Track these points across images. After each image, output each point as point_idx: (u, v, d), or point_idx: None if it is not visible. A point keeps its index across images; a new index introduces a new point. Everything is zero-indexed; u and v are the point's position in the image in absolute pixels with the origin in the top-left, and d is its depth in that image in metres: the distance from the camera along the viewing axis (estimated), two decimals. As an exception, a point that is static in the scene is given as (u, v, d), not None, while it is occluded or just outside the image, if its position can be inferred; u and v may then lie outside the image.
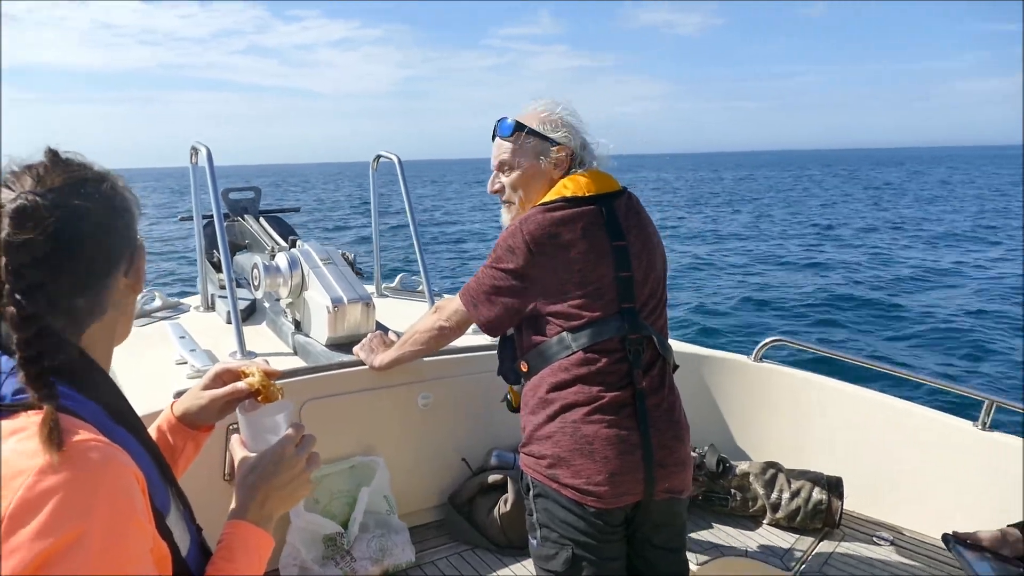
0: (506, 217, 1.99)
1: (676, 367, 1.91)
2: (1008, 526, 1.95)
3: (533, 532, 1.83)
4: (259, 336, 3.23)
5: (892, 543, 2.60)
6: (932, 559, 2.49)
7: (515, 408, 2.02)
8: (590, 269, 1.76)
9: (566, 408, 1.75)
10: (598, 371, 1.75)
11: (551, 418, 1.77)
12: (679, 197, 46.43)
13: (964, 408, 2.83)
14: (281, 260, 2.96)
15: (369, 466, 2.41)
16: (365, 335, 2.54)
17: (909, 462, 2.76)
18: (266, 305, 3.44)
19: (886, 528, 2.70)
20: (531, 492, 1.82)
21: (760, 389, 3.17)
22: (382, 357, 2.36)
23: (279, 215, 4.23)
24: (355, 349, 2.51)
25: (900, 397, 2.91)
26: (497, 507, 2.47)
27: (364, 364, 2.43)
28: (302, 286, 2.94)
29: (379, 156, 3.75)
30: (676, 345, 3.43)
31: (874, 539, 2.62)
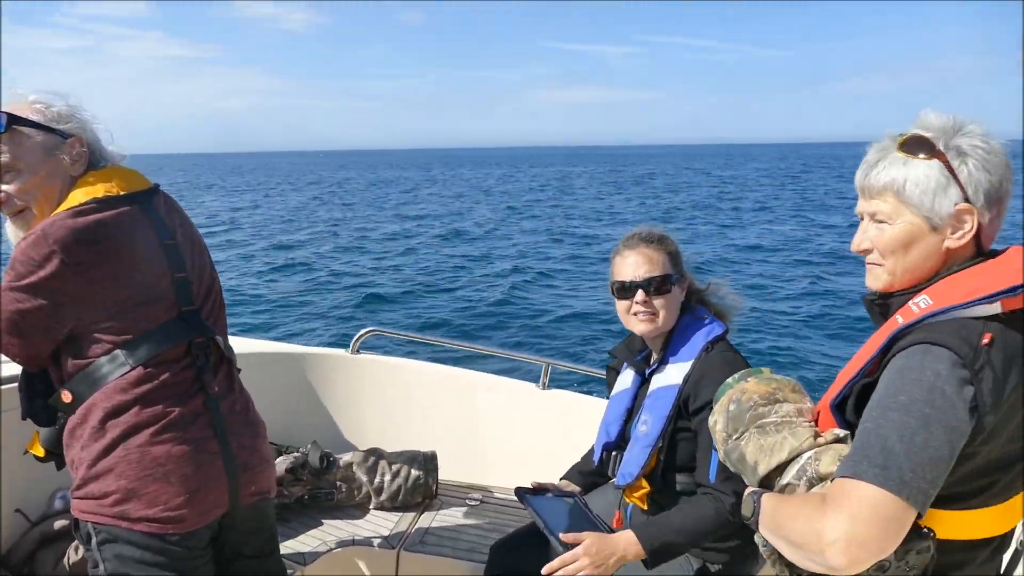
0: (15, 231, 1.64)
1: (239, 369, 1.82)
2: (561, 478, 2.30)
3: None
4: None
5: (482, 502, 2.90)
6: (516, 508, 2.85)
7: (44, 457, 1.70)
8: (143, 273, 1.58)
9: (128, 433, 1.55)
10: (162, 384, 1.58)
11: (109, 449, 1.55)
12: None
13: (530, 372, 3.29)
14: None
15: None
16: None
17: (491, 427, 3.11)
18: None
19: (477, 489, 3.01)
20: (94, 540, 1.57)
21: (360, 380, 3.26)
22: None
23: None
24: None
25: (480, 371, 3.27)
26: (67, 556, 2.11)
27: None
28: None
29: None
30: (274, 346, 3.37)
31: (467, 501, 2.89)
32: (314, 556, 2.43)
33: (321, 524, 2.66)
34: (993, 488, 1.18)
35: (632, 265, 1.95)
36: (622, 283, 1.96)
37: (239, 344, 3.30)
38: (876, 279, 1.30)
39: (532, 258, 18.51)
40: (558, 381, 3.15)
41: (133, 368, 1.55)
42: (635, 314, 1.95)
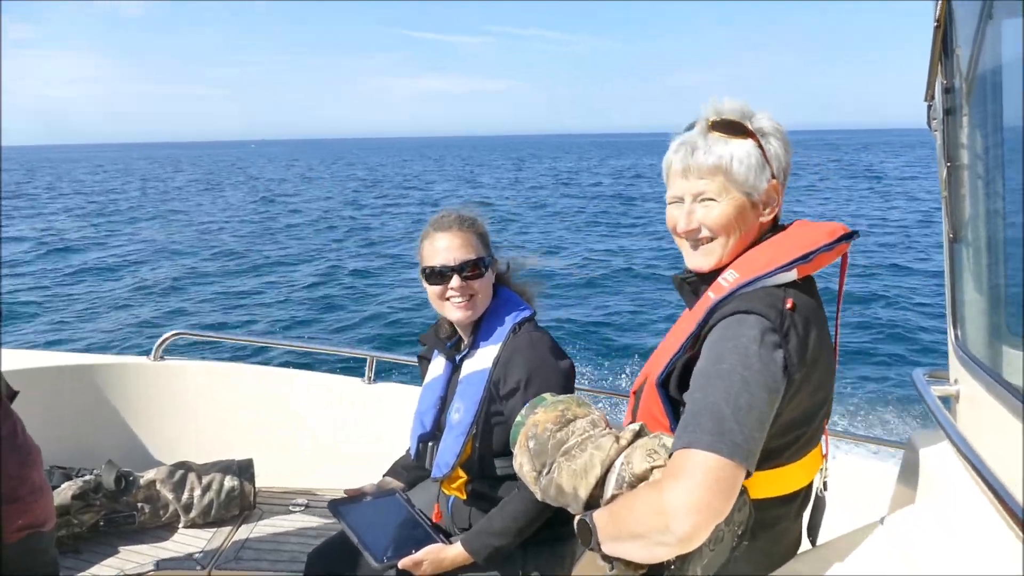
0: None
1: (15, 393, 1.61)
2: (384, 475, 2.20)
3: None
4: None
5: (307, 507, 2.74)
6: None
7: None
8: None
9: None
10: None
11: None
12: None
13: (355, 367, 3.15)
14: None
15: None
16: None
17: (314, 427, 2.94)
18: None
19: (302, 494, 2.84)
20: None
21: (165, 388, 2.97)
22: None
23: None
24: None
25: (300, 367, 3.09)
26: None
27: None
28: None
29: None
30: (63, 357, 2.97)
31: (290, 508, 2.72)
32: None
33: (118, 551, 2.38)
34: (798, 442, 1.25)
35: (445, 249, 1.86)
36: (435, 268, 1.87)
37: (20, 359, 2.89)
38: (708, 256, 1.31)
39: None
40: (385, 375, 3.06)
41: None
42: (449, 299, 1.87)
